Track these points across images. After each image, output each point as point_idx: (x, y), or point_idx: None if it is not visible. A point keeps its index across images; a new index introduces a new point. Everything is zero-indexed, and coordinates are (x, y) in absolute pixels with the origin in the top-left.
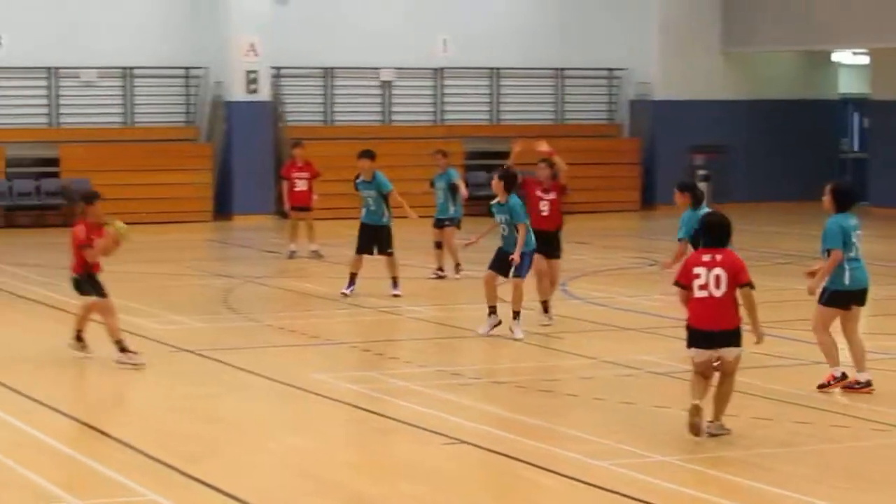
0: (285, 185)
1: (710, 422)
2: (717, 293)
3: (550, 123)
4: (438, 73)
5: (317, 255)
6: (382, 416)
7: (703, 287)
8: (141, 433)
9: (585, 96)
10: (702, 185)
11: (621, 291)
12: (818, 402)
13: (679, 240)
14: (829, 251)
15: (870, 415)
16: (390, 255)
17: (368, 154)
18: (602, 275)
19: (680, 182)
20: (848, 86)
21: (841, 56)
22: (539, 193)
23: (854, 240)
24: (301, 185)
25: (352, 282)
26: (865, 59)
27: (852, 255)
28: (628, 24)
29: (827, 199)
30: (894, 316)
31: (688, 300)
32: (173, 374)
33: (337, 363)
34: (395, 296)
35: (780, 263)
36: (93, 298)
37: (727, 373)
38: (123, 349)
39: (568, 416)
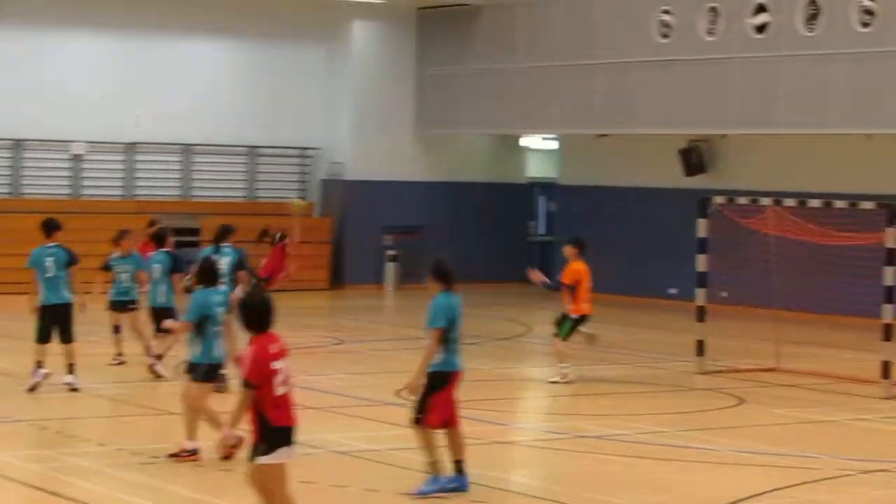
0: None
1: None
2: (289, 386)
3: (242, 201)
4: (130, 147)
5: None
6: (62, 496)
7: (285, 382)
8: None
9: (278, 174)
10: (390, 266)
11: (308, 370)
12: (494, 481)
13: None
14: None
15: (522, 488)
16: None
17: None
18: (290, 353)
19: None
20: (536, 170)
21: (529, 141)
22: None
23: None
24: None
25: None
26: (553, 145)
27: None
28: (322, 105)
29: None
30: (579, 397)
31: (264, 400)
32: None
33: (13, 441)
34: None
35: (466, 344)
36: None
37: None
38: None
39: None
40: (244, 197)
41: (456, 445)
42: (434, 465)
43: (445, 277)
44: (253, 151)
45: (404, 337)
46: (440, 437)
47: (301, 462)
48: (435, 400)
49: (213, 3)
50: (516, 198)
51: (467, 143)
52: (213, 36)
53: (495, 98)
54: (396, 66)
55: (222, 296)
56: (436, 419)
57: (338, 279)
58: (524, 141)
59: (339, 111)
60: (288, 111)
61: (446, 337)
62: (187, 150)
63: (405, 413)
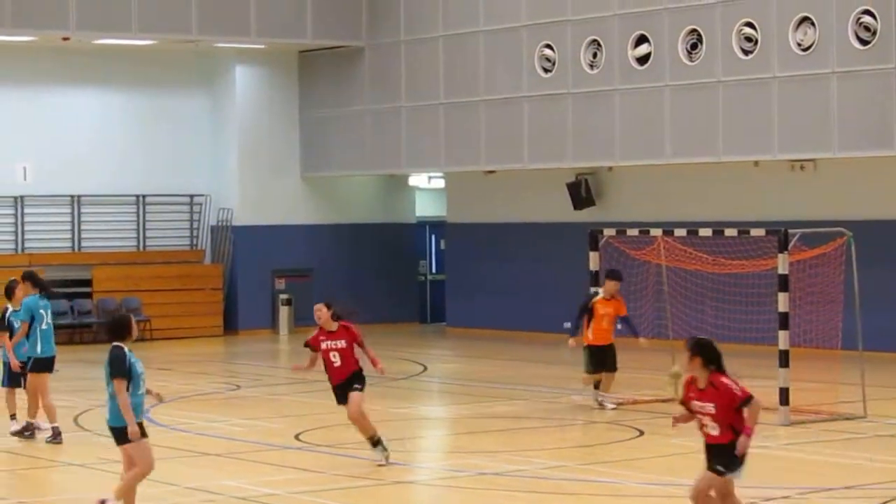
0: None
1: None
2: None
3: (133, 250)
4: (19, 200)
5: None
6: None
7: None
8: None
9: (167, 223)
10: (284, 310)
11: (205, 416)
12: None
13: None
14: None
15: None
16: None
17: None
18: (186, 401)
19: None
20: (425, 209)
21: (417, 180)
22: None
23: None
24: None
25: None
26: (441, 184)
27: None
28: (209, 151)
29: None
30: (477, 434)
31: None
32: None
33: None
34: None
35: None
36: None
37: None
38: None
39: None
40: (135, 246)
41: None
42: None
43: None
44: (142, 200)
45: (300, 380)
46: None
47: None
48: None
49: (97, 53)
50: (406, 237)
51: (355, 184)
52: (98, 86)
53: (380, 138)
54: (280, 110)
55: None
56: None
57: (231, 325)
58: (413, 180)
59: (226, 157)
60: (175, 159)
61: None
62: (75, 200)
63: (305, 457)
